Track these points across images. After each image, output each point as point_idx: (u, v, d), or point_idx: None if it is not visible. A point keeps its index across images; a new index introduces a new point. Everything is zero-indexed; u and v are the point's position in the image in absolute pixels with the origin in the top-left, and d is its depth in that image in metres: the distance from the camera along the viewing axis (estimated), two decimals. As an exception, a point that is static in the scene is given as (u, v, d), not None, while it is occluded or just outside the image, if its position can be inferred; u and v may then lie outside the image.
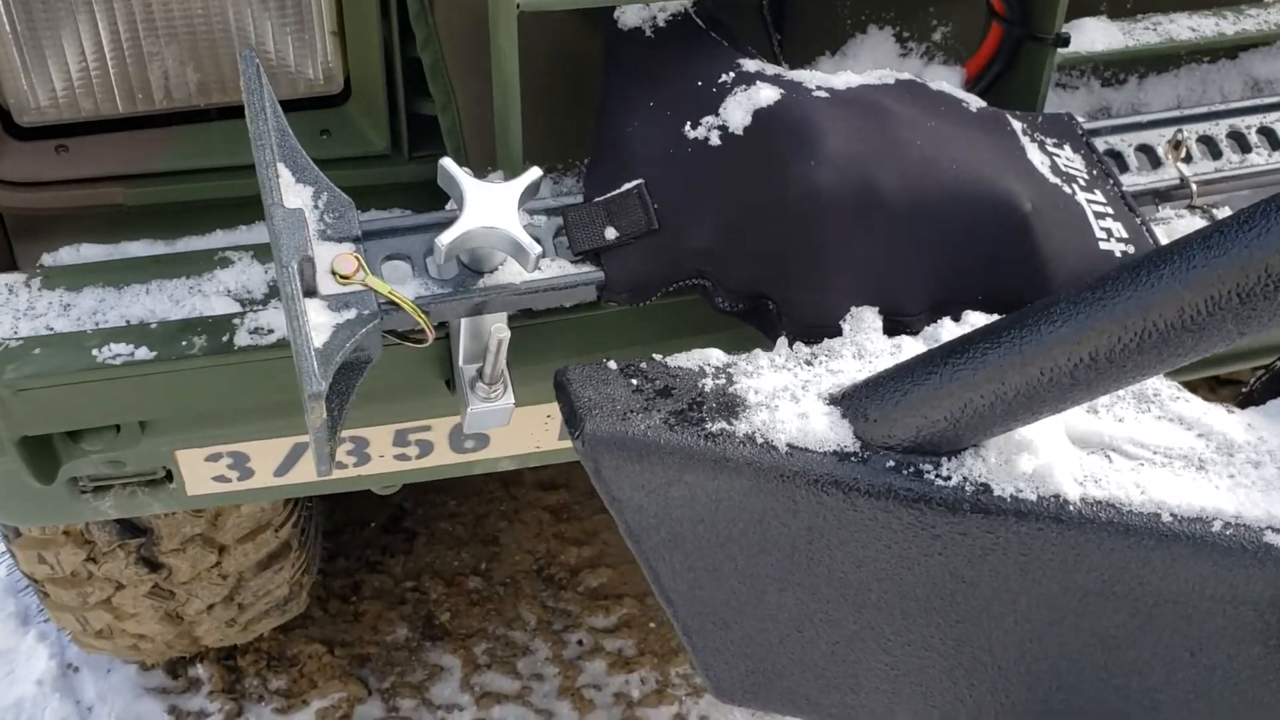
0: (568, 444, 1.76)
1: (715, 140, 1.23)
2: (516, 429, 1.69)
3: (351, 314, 1.13)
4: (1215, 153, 1.42)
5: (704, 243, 1.23)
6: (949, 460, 1.09)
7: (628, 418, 1.14)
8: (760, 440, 1.11)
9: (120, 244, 1.49)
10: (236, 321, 1.35)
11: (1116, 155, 1.40)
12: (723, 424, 1.13)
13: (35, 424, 1.32)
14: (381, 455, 1.65)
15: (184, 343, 1.32)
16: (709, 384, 1.17)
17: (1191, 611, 1.09)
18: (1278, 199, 0.89)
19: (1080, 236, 1.26)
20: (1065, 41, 1.37)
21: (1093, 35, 1.44)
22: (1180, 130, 1.39)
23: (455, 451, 1.69)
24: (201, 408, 1.38)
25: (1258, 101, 1.45)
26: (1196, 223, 1.35)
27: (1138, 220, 1.31)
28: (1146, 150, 1.41)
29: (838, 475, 1.09)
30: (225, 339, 1.32)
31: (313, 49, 1.48)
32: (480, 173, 1.48)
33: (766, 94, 1.22)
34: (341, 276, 1.14)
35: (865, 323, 1.22)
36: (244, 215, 1.53)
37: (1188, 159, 1.39)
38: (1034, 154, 1.29)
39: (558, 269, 1.24)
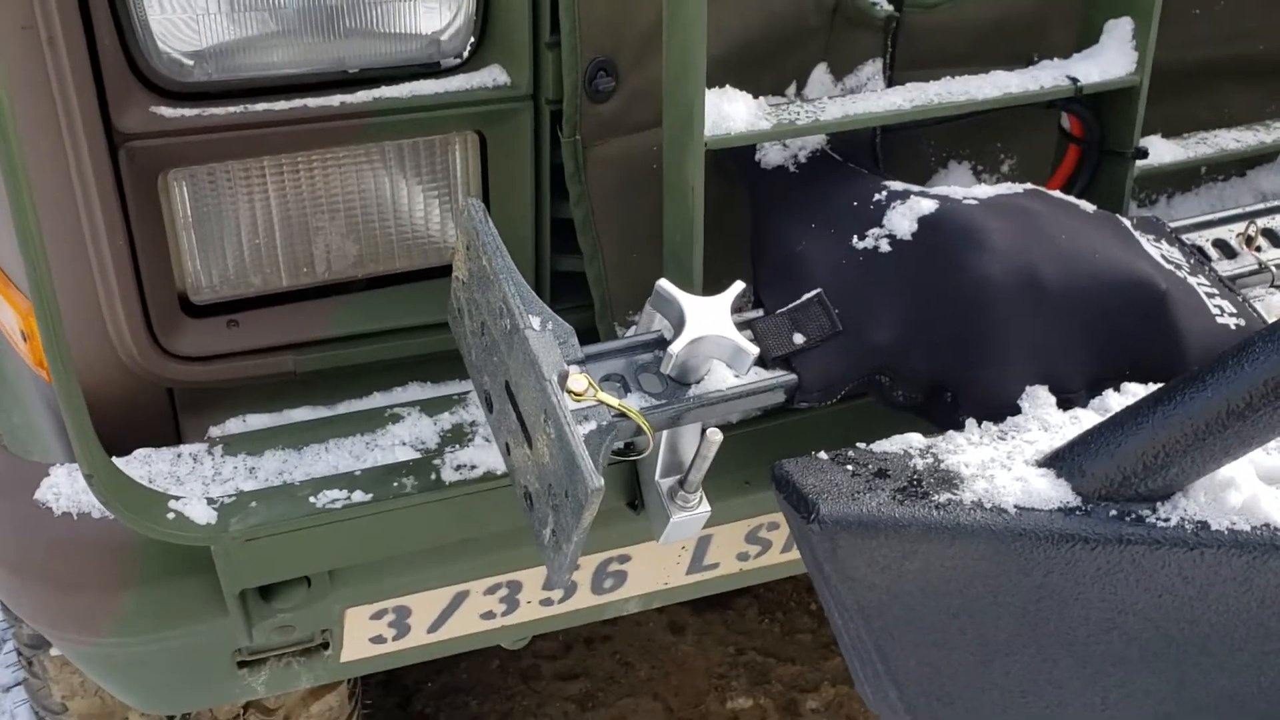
0: (695, 578, 1.81)
1: (885, 247, 1.37)
2: (650, 566, 1.74)
3: (592, 425, 1.21)
4: (1277, 242, 1.61)
5: (885, 338, 1.35)
6: (1163, 504, 1.20)
7: (857, 498, 1.22)
8: (989, 505, 1.20)
9: (284, 411, 1.54)
10: (437, 462, 1.40)
11: (1197, 249, 1.58)
12: (948, 495, 1.22)
13: (257, 575, 1.34)
14: (529, 601, 1.68)
15: (395, 483, 1.37)
16: (919, 463, 1.27)
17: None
18: None
19: (1201, 313, 1.42)
20: (1144, 154, 1.56)
21: (1159, 150, 1.65)
22: (1251, 224, 1.58)
23: (594, 593, 1.73)
24: (415, 546, 1.41)
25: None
26: (1284, 299, 1.53)
27: (1239, 298, 1.48)
28: (1220, 244, 1.60)
29: (1068, 528, 1.18)
30: (433, 477, 1.38)
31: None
32: (622, 316, 1.60)
33: (927, 204, 1.38)
34: (575, 394, 1.22)
35: (1040, 399, 1.34)
36: (398, 377, 1.60)
37: (1259, 249, 1.58)
38: (1147, 246, 1.46)
39: (753, 376, 1.34)
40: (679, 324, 1.26)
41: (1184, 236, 1.59)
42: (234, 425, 1.52)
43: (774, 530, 1.75)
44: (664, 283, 1.27)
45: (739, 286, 1.29)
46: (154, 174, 1.39)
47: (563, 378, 1.18)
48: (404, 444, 1.48)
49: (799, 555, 1.84)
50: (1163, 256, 1.47)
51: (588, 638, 3.43)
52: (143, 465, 1.42)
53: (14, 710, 3.16)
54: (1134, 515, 1.19)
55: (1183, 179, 1.89)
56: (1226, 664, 1.23)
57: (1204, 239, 1.60)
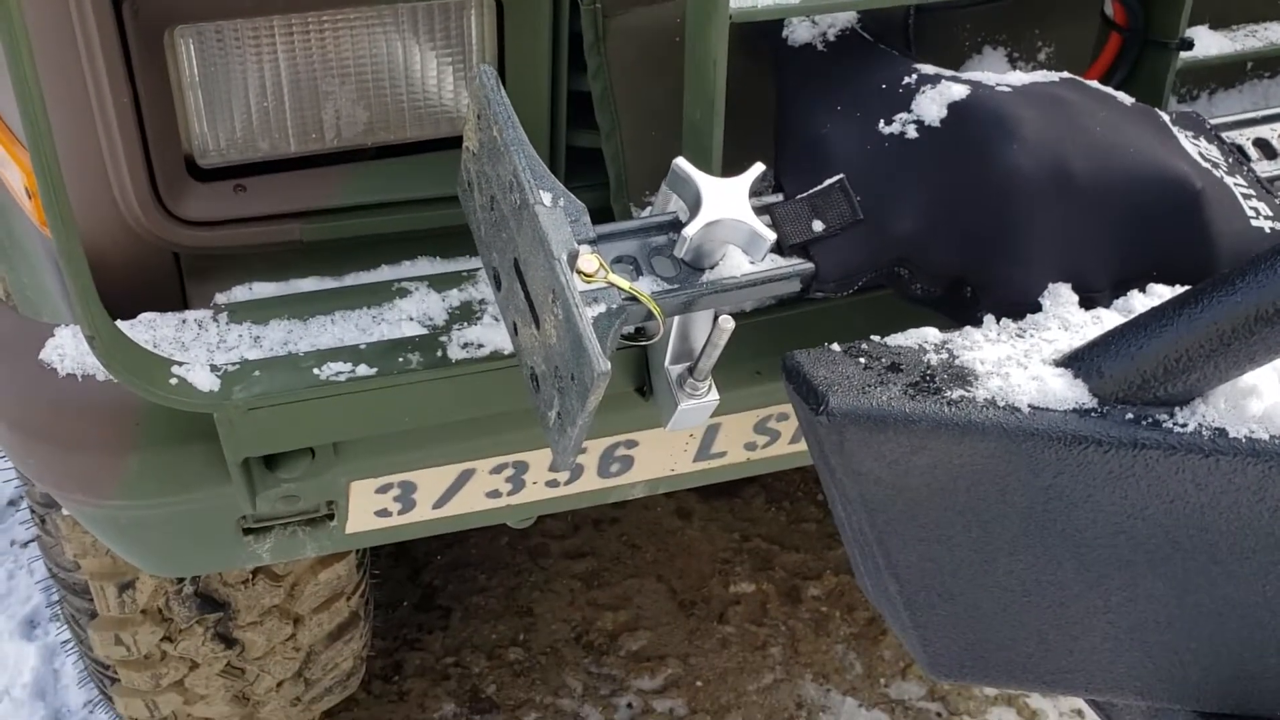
0: (702, 466, 1.81)
1: (912, 133, 1.32)
2: (657, 452, 1.73)
3: (601, 308, 1.18)
4: (1320, 144, 1.55)
5: (906, 228, 1.31)
6: (1181, 409, 1.17)
7: (867, 391, 1.20)
8: (1002, 403, 1.18)
9: (291, 281, 1.52)
10: (444, 339, 1.38)
11: (1237, 148, 1.52)
12: (961, 391, 1.19)
13: (259, 444, 1.34)
14: (535, 482, 1.68)
15: (400, 359, 1.35)
16: (933, 358, 1.24)
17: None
18: None
19: (1235, 215, 1.37)
20: (1189, 45, 1.50)
21: (1205, 42, 1.58)
22: (1294, 123, 1.53)
23: (601, 477, 1.72)
24: (418, 422, 1.40)
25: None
26: (1323, 203, 1.47)
27: (1276, 200, 1.43)
28: (1261, 144, 1.54)
29: (1082, 430, 1.16)
30: (439, 354, 1.36)
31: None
32: (639, 196, 1.56)
33: (958, 89, 1.33)
34: (585, 274, 1.19)
35: (1062, 298, 1.31)
36: (407, 250, 1.57)
37: (1300, 149, 1.52)
38: (1185, 143, 1.41)
39: (768, 263, 1.30)
40: (695, 206, 1.22)
41: (1224, 134, 1.54)
42: (240, 293, 1.50)
43: (783, 421, 1.74)
44: (681, 161, 1.23)
45: (758, 169, 1.25)
46: (159, 30, 1.35)
47: (572, 257, 1.15)
48: (411, 319, 1.45)
49: (805, 447, 1.83)
50: (1200, 154, 1.41)
51: (596, 519, 3.47)
52: (147, 329, 1.40)
53: (31, 564, 3.23)
54: (1150, 419, 1.16)
55: (1227, 74, 1.82)
56: (1233, 572, 1.22)
57: (1245, 138, 1.55)
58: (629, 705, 3.09)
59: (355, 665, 2.69)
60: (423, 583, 3.36)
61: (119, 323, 1.33)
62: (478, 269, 1.55)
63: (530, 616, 3.27)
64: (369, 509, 1.59)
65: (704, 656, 3.15)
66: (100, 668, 2.36)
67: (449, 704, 3.07)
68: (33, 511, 2.25)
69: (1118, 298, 1.33)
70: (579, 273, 1.19)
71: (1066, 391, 1.18)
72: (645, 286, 1.24)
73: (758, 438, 1.74)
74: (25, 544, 3.30)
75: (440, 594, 3.34)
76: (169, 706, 2.43)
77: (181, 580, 2.12)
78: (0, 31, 1.03)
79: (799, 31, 1.46)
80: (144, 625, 2.22)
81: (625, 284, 1.20)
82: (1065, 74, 1.44)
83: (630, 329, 1.28)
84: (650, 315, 1.24)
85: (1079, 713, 3.05)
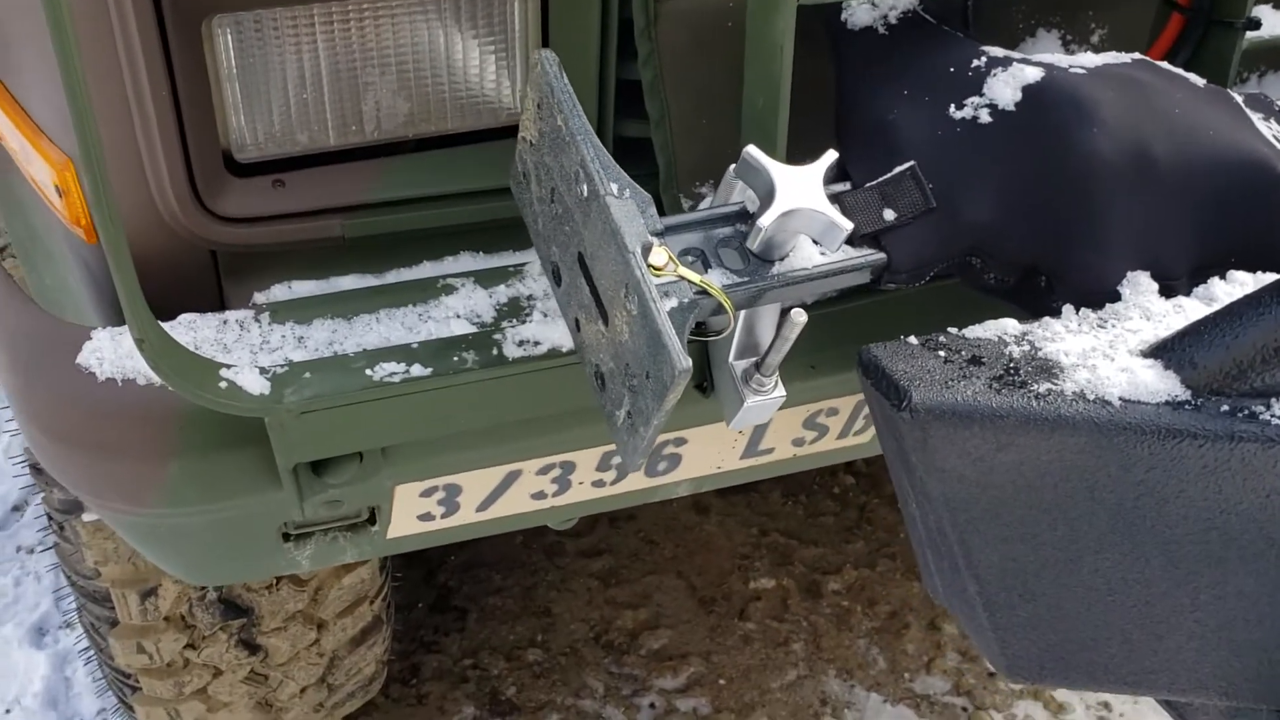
0: (749, 463, 1.76)
1: (985, 118, 1.28)
2: (705, 449, 1.69)
3: (673, 302, 1.13)
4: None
5: (981, 215, 1.27)
6: (1277, 401, 1.13)
7: (950, 385, 1.15)
8: (1092, 396, 1.14)
9: (331, 279, 1.47)
10: (498, 337, 1.33)
11: (1303, 130, 1.48)
12: (1048, 384, 1.15)
13: (312, 449, 1.28)
14: (581, 482, 1.63)
15: (455, 358, 1.30)
16: (1015, 350, 1.20)
17: None
18: None
19: (1312, 199, 1.33)
20: (1257, 24, 1.45)
21: (1270, 22, 1.54)
22: (1362, 105, 1.48)
23: (647, 476, 1.68)
24: (474, 424, 1.35)
25: None
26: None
27: (1350, 184, 1.38)
28: (1327, 126, 1.50)
29: (1177, 423, 1.12)
30: (495, 353, 1.31)
31: (515, 76, 1.49)
32: (689, 186, 1.51)
33: (1032, 72, 1.28)
34: (655, 268, 1.14)
35: (1142, 286, 1.26)
36: (449, 245, 1.52)
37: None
38: (1260, 125, 1.37)
39: (840, 254, 1.26)
40: (768, 196, 1.17)
41: (1289, 117, 1.49)
42: (279, 292, 1.44)
43: (832, 416, 1.69)
44: (752, 149, 1.18)
45: (831, 156, 1.20)
46: (198, 20, 1.29)
47: (646, 250, 1.10)
48: (459, 316, 1.40)
49: (851, 442, 1.78)
50: (1274, 136, 1.37)
51: (612, 516, 3.42)
52: (188, 330, 1.35)
53: (39, 572, 3.17)
54: (1247, 411, 1.12)
55: (1275, 55, 1.77)
56: (1331, 568, 1.18)
57: (1311, 120, 1.50)
58: (651, 705, 3.05)
59: (377, 669, 2.65)
60: (438, 584, 3.31)
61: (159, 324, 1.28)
62: (523, 263, 1.50)
63: (548, 616, 3.22)
64: (412, 513, 1.54)
65: (726, 654, 3.10)
66: (121, 676, 2.31)
67: (469, 707, 3.02)
68: (50, 519, 2.19)
69: (1195, 285, 1.29)
70: (650, 266, 1.14)
71: (1158, 383, 1.14)
72: (715, 279, 1.19)
73: (806, 433, 1.70)
74: (32, 550, 3.24)
75: (456, 595, 3.29)
76: (191, 714, 2.38)
77: (205, 587, 2.07)
78: (51, 26, 0.97)
79: (859, 14, 1.41)
80: (167, 633, 2.17)
81: (696, 278, 1.16)
82: (1136, 55, 1.39)
83: (694, 323, 1.23)
84: (717, 309, 1.19)
85: (1105, 705, 3.02)
